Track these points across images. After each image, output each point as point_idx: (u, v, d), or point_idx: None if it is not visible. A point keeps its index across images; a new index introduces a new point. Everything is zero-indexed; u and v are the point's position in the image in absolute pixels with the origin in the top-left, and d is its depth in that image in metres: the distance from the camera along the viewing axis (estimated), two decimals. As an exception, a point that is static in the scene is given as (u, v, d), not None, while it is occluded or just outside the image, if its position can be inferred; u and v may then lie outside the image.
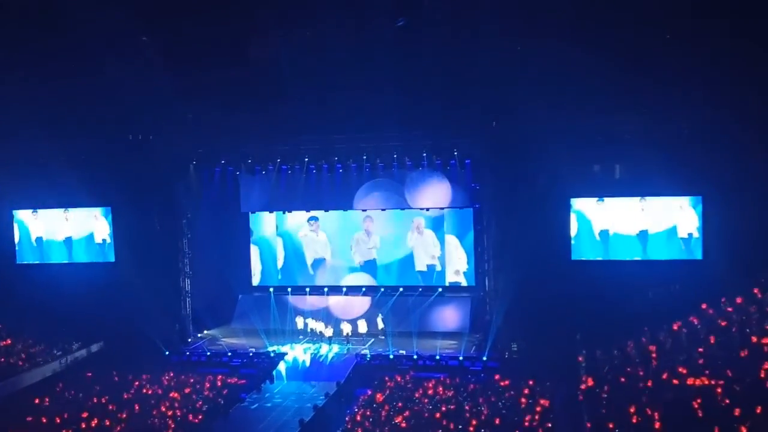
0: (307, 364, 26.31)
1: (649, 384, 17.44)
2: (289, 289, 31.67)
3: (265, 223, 32.57)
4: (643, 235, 25.44)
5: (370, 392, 22.53)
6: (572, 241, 26.03)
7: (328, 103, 24.46)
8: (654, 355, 19.42)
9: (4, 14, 21.59)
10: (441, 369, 24.90)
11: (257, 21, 22.66)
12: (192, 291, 30.38)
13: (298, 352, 27.18)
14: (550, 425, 18.36)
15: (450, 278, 30.83)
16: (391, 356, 25.85)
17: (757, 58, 19.49)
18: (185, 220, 30.08)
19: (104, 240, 29.73)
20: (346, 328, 28.36)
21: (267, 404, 22.41)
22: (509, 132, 25.11)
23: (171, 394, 22.69)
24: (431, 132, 26.89)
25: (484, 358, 25.14)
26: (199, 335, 30.18)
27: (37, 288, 27.99)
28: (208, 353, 27.41)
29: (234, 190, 31.51)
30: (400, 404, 20.82)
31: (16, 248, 30.27)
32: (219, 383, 23.97)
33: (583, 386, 19.53)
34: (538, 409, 19.67)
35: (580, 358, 22.11)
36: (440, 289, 30.39)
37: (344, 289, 31.35)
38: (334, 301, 31.02)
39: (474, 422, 18.62)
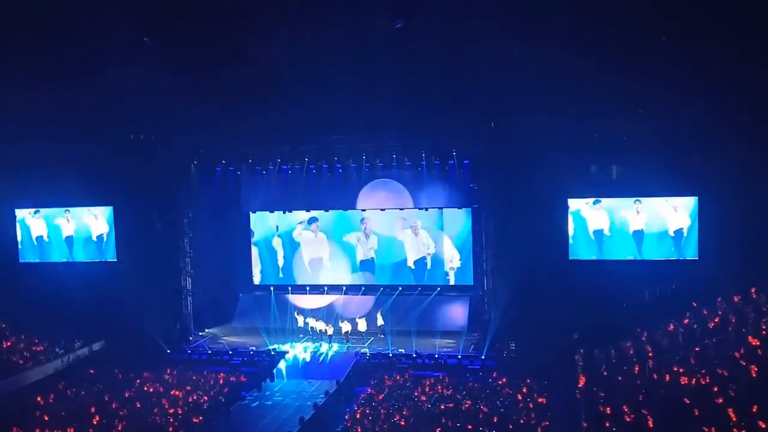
0: (308, 362, 26.48)
1: (646, 383, 17.60)
2: (290, 288, 31.85)
3: (266, 223, 32.71)
4: (639, 235, 25.62)
5: (369, 390, 22.69)
6: (570, 241, 26.19)
7: (328, 104, 24.55)
8: (650, 354, 19.59)
9: (6, 16, 21.68)
10: (440, 367, 25.09)
11: (258, 22, 22.74)
12: (193, 290, 30.58)
13: (298, 351, 27.37)
14: (547, 423, 18.50)
15: (444, 277, 31.05)
16: (391, 355, 26.02)
17: (751, 59, 19.59)
18: (186, 220, 30.27)
19: (103, 239, 29.88)
20: (346, 326, 28.53)
21: (267, 402, 22.53)
22: (507, 133, 25.27)
23: (172, 392, 22.82)
24: (430, 133, 27.08)
25: (483, 357, 25.31)
26: (200, 333, 30.36)
27: (39, 287, 28.20)
28: (209, 351, 27.60)
29: (235, 190, 31.69)
30: (399, 402, 20.99)
31: (19, 247, 30.44)
32: (220, 381, 24.12)
33: (580, 385, 19.68)
34: (536, 407, 19.84)
35: (577, 357, 22.27)
36: (439, 288, 30.54)
37: (344, 288, 31.52)
38: (334, 300, 31.20)
39: (472, 420, 18.77)
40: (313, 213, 31.90)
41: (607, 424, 15.80)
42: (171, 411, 20.85)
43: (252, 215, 32.77)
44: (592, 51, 20.64)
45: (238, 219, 32.63)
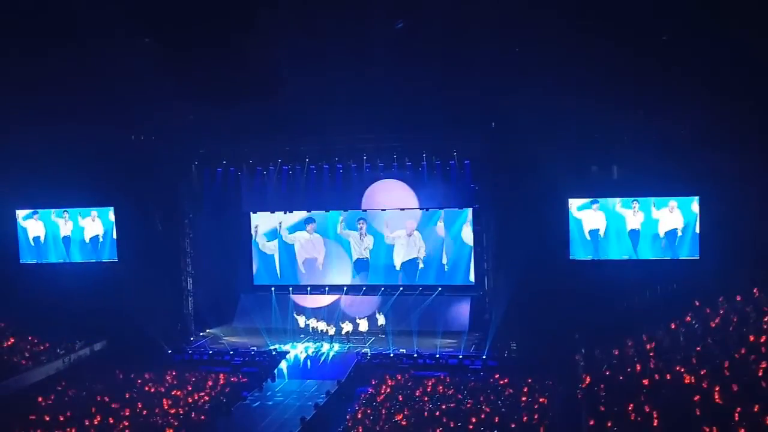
0: (309, 362, 26.48)
1: (647, 383, 17.57)
2: (291, 288, 31.83)
3: (266, 223, 32.69)
4: (640, 234, 25.60)
5: (370, 390, 22.69)
6: (570, 241, 26.18)
7: (329, 104, 24.56)
8: (652, 353, 19.56)
9: (5, 14, 21.68)
10: (441, 367, 25.08)
11: (259, 22, 22.73)
12: (194, 290, 30.59)
13: (299, 351, 27.36)
14: (548, 423, 18.50)
15: (438, 277, 31.07)
16: (392, 355, 26.01)
17: (751, 58, 19.57)
18: (187, 220, 30.30)
19: (99, 240, 29.88)
20: (347, 326, 28.52)
21: (268, 402, 22.53)
22: (508, 133, 25.24)
23: (173, 393, 22.87)
24: (431, 133, 27.07)
25: (484, 357, 25.33)
26: (201, 334, 30.37)
27: (40, 287, 28.15)
28: (210, 352, 27.63)
29: (235, 190, 31.68)
30: (400, 402, 20.97)
31: (21, 248, 30.45)
32: (221, 381, 24.16)
33: (581, 385, 19.66)
34: (537, 407, 19.83)
35: (579, 357, 22.25)
36: (440, 288, 30.52)
37: (345, 288, 31.52)
38: (335, 300, 31.19)
39: (473, 420, 18.77)
40: (309, 213, 31.92)
41: (609, 424, 15.77)
42: (172, 411, 20.90)
43: (253, 215, 32.75)
44: (593, 49, 20.63)
45: (238, 219, 32.63)
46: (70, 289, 27.86)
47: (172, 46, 23.75)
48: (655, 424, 15.10)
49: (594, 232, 26.01)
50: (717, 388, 15.30)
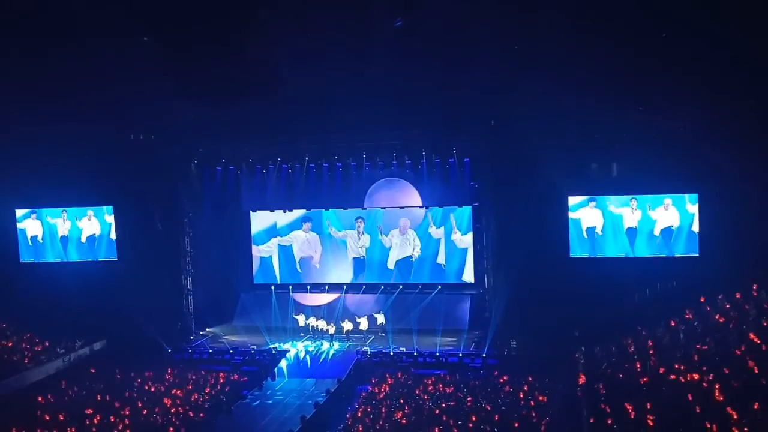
0: (309, 361, 26.48)
1: (647, 380, 17.60)
2: (290, 287, 31.84)
3: (266, 222, 32.71)
4: (637, 232, 25.64)
5: (370, 389, 22.71)
6: (570, 239, 26.22)
7: (328, 103, 24.56)
8: (651, 351, 19.59)
9: (4, 14, 21.67)
10: (441, 366, 25.09)
11: (258, 21, 22.72)
12: (194, 289, 30.61)
13: (299, 350, 27.37)
14: (548, 421, 18.53)
15: (433, 275, 31.12)
16: (392, 353, 26.03)
17: (752, 57, 19.57)
18: (187, 219, 30.31)
19: (94, 239, 29.90)
20: (347, 325, 28.54)
21: (268, 401, 22.54)
22: (507, 131, 25.25)
23: (173, 391, 22.89)
24: (430, 131, 27.11)
25: (484, 355, 25.33)
26: (201, 333, 30.38)
27: (41, 287, 28.19)
28: (210, 351, 27.64)
29: (235, 189, 31.68)
30: (400, 401, 21.00)
31: (19, 247, 30.46)
32: (221, 380, 24.18)
33: (581, 382, 19.70)
34: (537, 405, 19.86)
35: (578, 355, 22.28)
36: (440, 287, 30.56)
37: (344, 287, 31.53)
38: (335, 299, 31.21)
39: (473, 418, 18.79)
40: (306, 212, 31.95)
41: (609, 422, 15.81)
42: (172, 410, 20.89)
43: (252, 214, 32.77)
44: (593, 47, 20.61)
45: (238, 218, 32.65)
46: (70, 288, 27.88)
47: (171, 45, 23.73)
48: (654, 422, 15.13)
49: (591, 230, 26.07)
50: (717, 386, 15.34)
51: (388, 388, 22.57)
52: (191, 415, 20.61)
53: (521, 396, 20.87)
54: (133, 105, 25.43)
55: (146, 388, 23.50)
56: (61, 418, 20.34)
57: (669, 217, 25.29)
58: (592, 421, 16.50)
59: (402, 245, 31.24)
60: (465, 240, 30.58)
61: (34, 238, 30.37)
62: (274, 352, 27.07)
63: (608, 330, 22.53)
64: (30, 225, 30.41)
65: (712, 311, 20.21)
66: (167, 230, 29.67)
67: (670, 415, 15.06)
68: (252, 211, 32.66)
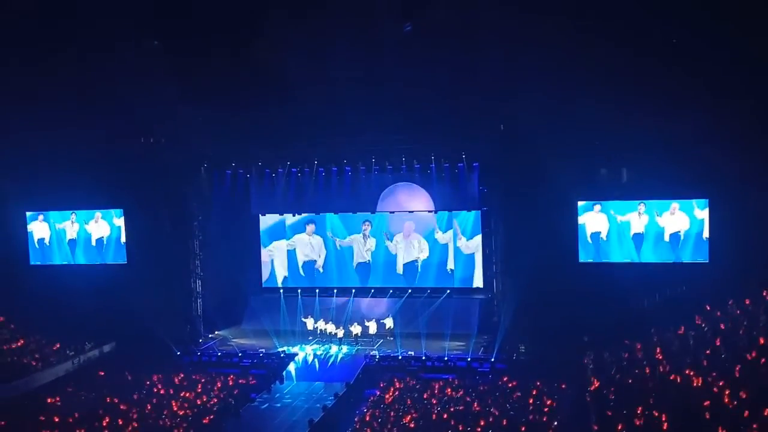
0: (317, 364, 26.51)
1: (656, 385, 17.51)
2: (299, 291, 31.86)
3: (275, 225, 32.77)
4: (644, 237, 25.54)
5: (379, 393, 22.69)
6: (579, 244, 26.14)
7: (338, 107, 24.63)
8: (661, 356, 19.49)
9: (17, 18, 21.88)
10: (449, 370, 25.03)
11: (267, 25, 22.84)
12: (203, 292, 30.71)
13: (307, 353, 27.39)
14: (557, 426, 18.45)
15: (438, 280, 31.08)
16: (400, 357, 26.00)
17: (761, 59, 19.52)
18: (196, 222, 30.44)
19: (103, 242, 30.09)
20: (355, 329, 28.53)
21: (277, 404, 22.56)
22: (517, 135, 25.23)
23: (182, 394, 22.94)
24: (440, 136, 27.05)
25: (492, 360, 25.24)
26: (209, 336, 30.42)
27: (50, 289, 28.38)
28: (219, 353, 27.69)
29: (244, 193, 31.73)
30: (408, 405, 20.97)
31: (30, 250, 30.64)
32: (230, 383, 24.20)
33: (590, 387, 19.61)
34: (546, 410, 19.78)
35: (587, 360, 22.19)
36: (449, 291, 30.52)
37: (353, 291, 31.53)
38: (344, 303, 31.19)
39: (482, 423, 18.73)
40: (312, 215, 31.98)
41: (619, 427, 15.73)
42: (181, 413, 20.94)
43: (261, 218, 32.84)
44: (601, 55, 20.62)
45: (247, 221, 32.70)
46: (80, 290, 28.02)
47: (181, 50, 23.92)
48: (664, 427, 15.05)
49: (595, 235, 25.99)
50: (727, 392, 15.24)
51: (396, 392, 22.54)
52: (200, 418, 20.63)
53: (530, 401, 20.78)
54: (143, 109, 25.62)
55: (155, 390, 23.55)
56: (70, 420, 20.43)
57: (677, 222, 25.16)
58: (600, 426, 16.44)
59: (407, 249, 31.24)
60: (470, 245, 30.55)
61: (41, 240, 30.58)
62: (282, 355, 27.10)
63: (617, 335, 22.42)
64: (37, 227, 30.63)
65: (721, 316, 20.08)
66: (176, 233, 29.76)
67: (680, 421, 14.98)
68: (261, 214, 32.72)
